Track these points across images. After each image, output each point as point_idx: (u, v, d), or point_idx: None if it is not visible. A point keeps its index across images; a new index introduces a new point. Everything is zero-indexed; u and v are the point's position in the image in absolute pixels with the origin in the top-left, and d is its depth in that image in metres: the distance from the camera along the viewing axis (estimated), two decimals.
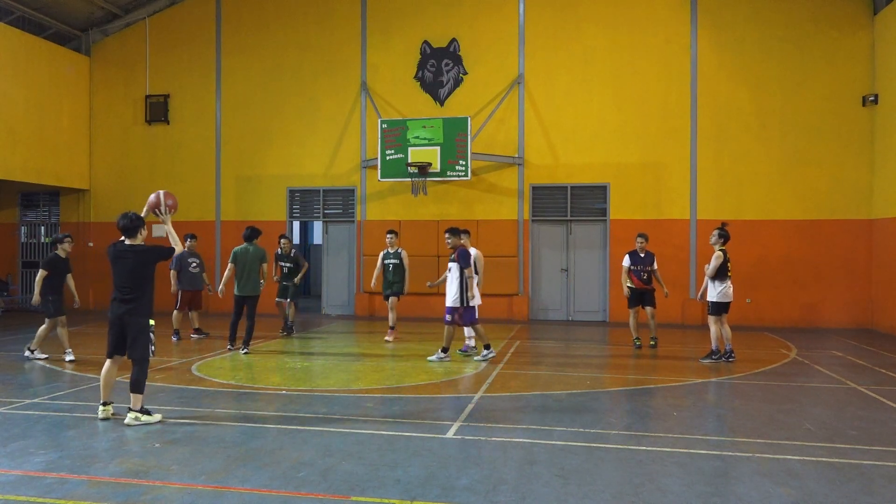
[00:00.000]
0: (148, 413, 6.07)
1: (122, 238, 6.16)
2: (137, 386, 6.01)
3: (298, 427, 6.00)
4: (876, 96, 13.55)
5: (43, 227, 18.01)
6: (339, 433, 5.79)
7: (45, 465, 4.91)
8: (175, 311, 11.45)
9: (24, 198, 18.03)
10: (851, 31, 13.99)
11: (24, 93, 15.30)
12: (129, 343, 6.05)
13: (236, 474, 4.74)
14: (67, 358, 9.27)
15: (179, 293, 11.40)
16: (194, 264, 11.49)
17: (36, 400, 6.97)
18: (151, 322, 6.14)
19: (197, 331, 11.68)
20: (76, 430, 5.83)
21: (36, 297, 9.23)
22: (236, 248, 10.32)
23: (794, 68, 14.19)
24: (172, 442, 5.50)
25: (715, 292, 9.38)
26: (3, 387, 7.66)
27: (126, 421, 5.96)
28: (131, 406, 6.02)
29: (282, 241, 12.13)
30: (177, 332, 11.37)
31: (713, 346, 9.53)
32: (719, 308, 9.42)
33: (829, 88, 14.04)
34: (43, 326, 9.41)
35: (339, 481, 4.61)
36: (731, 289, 9.48)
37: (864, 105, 13.83)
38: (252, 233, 10.43)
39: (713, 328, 9.50)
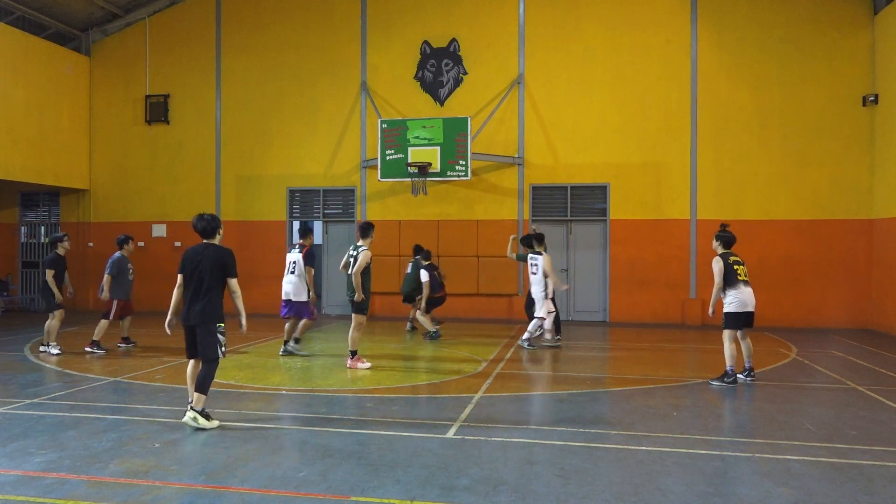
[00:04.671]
0: (207, 417, 5.87)
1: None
2: (202, 385, 5.88)
3: (298, 427, 6.01)
4: (876, 96, 13.55)
5: (43, 227, 18.00)
6: (339, 433, 5.79)
7: (45, 465, 4.91)
8: (103, 321, 10.07)
9: (24, 198, 18.03)
10: (851, 32, 13.98)
11: (24, 93, 15.29)
12: (198, 344, 5.96)
13: (236, 474, 4.74)
14: (53, 351, 9.81)
15: (115, 302, 10.13)
16: (132, 270, 10.50)
17: (36, 400, 6.97)
18: (221, 324, 5.99)
19: (125, 340, 10.48)
20: (76, 430, 5.83)
21: (59, 296, 9.92)
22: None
23: (794, 68, 14.18)
24: (172, 442, 5.50)
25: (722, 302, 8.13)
26: (3, 387, 7.66)
27: (183, 419, 5.88)
28: (192, 404, 5.89)
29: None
30: (97, 343, 10.00)
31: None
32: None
33: (829, 88, 14.04)
34: (52, 321, 9.96)
35: (339, 481, 4.61)
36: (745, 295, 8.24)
37: (864, 105, 13.83)
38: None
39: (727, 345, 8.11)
